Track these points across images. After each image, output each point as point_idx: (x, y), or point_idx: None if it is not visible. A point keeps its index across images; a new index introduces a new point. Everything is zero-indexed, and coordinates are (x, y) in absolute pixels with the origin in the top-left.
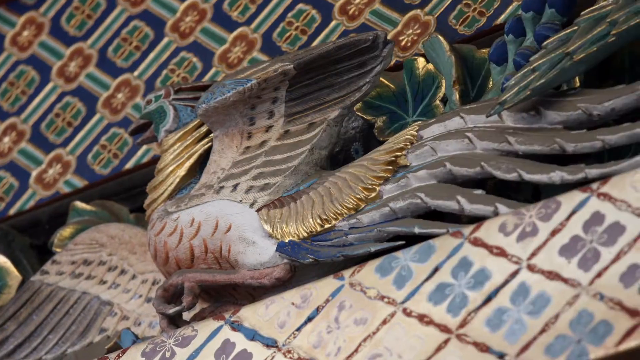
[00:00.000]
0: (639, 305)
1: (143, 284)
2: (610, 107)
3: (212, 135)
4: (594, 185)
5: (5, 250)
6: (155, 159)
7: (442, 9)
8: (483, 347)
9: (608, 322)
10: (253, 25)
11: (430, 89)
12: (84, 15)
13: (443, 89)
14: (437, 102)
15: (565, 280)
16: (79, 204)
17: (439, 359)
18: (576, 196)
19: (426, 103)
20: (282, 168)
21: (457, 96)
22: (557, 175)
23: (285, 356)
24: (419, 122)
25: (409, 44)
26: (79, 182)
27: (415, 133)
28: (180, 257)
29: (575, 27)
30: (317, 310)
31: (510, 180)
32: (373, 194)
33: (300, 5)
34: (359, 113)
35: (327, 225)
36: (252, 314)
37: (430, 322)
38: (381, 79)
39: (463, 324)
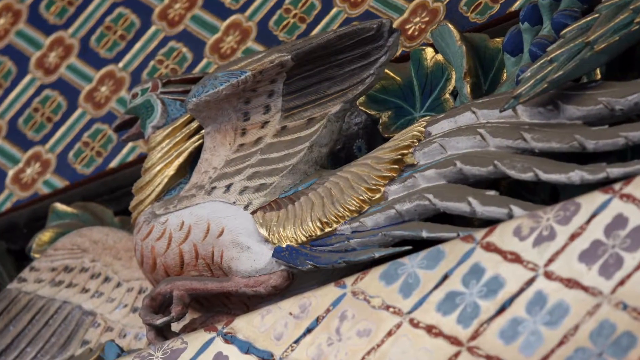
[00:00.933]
0: None
1: (128, 292)
2: (634, 102)
3: (203, 131)
4: (617, 186)
5: None
6: (142, 158)
7: None
8: None
9: (632, 333)
10: (247, 12)
11: (439, 81)
12: (65, 2)
13: (453, 81)
14: (447, 95)
15: (585, 289)
16: (60, 206)
17: None
18: (597, 197)
19: (435, 97)
20: (279, 167)
21: (469, 89)
22: (576, 175)
23: None
24: (427, 118)
25: (416, 33)
26: (60, 183)
27: (423, 129)
28: (169, 263)
29: (597, 15)
30: (317, 320)
31: (525, 181)
32: (377, 195)
33: None
34: (362, 108)
35: (327, 229)
36: (246, 325)
37: (439, 334)
38: (386, 70)
39: (475, 336)
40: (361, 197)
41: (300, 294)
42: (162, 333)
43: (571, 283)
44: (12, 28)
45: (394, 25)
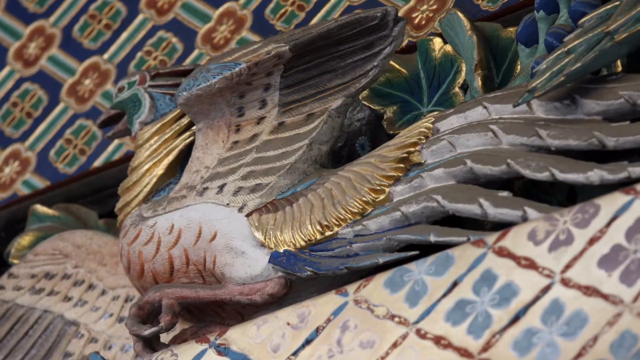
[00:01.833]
0: None
1: (114, 300)
2: None
3: (194, 128)
4: (639, 186)
5: None
6: (129, 156)
7: None
8: None
9: None
10: (242, 0)
11: (449, 74)
12: None
13: (463, 74)
14: (456, 89)
15: (605, 297)
16: (40, 208)
17: None
18: (618, 199)
19: (443, 91)
20: (276, 166)
21: (480, 82)
22: (595, 174)
23: None
24: (435, 113)
25: (423, 22)
26: (40, 183)
27: (431, 125)
28: (158, 269)
29: (617, 3)
30: (317, 331)
31: (541, 181)
32: (382, 197)
33: None
34: (365, 102)
35: (328, 233)
36: (241, 336)
37: (448, 345)
38: (391, 62)
39: (486, 348)
40: (364, 199)
41: (298, 303)
42: (151, 344)
43: (590, 291)
44: None
45: (400, 14)
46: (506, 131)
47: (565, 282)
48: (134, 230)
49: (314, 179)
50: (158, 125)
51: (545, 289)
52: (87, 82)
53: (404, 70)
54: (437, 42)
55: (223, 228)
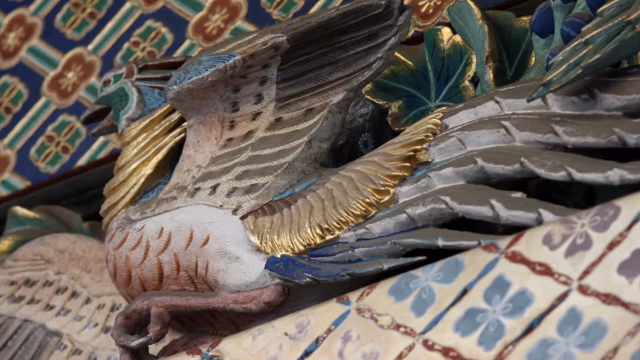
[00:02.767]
0: None
1: (99, 309)
2: None
3: (185, 124)
4: None
5: None
6: (115, 154)
7: None
8: None
9: None
10: None
11: (458, 66)
12: None
13: (473, 66)
14: (466, 82)
15: (625, 305)
16: (20, 210)
17: None
18: (639, 200)
19: (452, 84)
20: (273, 165)
21: (491, 75)
22: (615, 174)
23: None
24: (444, 108)
25: (430, 11)
26: (20, 183)
27: (439, 121)
28: (146, 275)
29: None
30: (317, 342)
31: (557, 181)
32: (386, 198)
33: None
34: (368, 97)
35: (328, 237)
36: (235, 347)
37: (458, 357)
38: (396, 54)
39: (499, 359)
40: (367, 200)
41: (297, 312)
42: (139, 356)
43: (609, 299)
44: None
45: (406, 2)
46: (520, 128)
47: (583, 290)
48: (121, 234)
49: (313, 179)
50: (146, 121)
51: (562, 297)
52: (70, 75)
53: (410, 63)
54: (446, 32)
55: (216, 231)
